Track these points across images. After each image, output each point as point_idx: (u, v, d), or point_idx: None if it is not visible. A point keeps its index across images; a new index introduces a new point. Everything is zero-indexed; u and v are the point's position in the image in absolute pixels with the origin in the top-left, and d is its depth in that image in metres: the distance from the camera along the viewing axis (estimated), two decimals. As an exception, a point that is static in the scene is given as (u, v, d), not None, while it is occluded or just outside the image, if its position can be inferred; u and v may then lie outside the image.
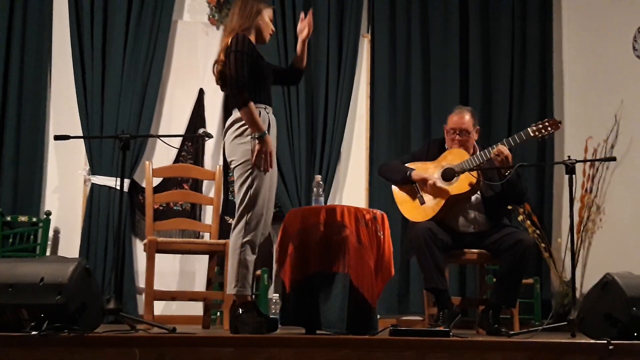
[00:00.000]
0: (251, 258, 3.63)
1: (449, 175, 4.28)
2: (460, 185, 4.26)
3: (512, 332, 4.06)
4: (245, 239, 3.60)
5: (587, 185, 5.78)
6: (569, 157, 4.19)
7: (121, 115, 5.71)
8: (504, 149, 4.18)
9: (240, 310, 3.65)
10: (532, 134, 4.22)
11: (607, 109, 5.74)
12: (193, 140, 5.84)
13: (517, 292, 4.22)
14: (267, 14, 3.78)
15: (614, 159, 4.44)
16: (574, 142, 5.97)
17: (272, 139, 3.64)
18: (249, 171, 3.58)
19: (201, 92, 6.00)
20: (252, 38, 3.71)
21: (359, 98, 6.20)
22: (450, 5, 6.26)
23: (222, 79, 3.67)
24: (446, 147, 4.45)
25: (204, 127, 5.79)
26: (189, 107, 5.96)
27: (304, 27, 3.84)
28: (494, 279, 4.84)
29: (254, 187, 3.59)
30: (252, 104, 3.54)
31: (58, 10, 5.81)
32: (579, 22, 6.26)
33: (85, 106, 5.70)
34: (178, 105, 5.95)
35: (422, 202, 4.32)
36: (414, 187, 4.35)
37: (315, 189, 4.24)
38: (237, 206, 3.66)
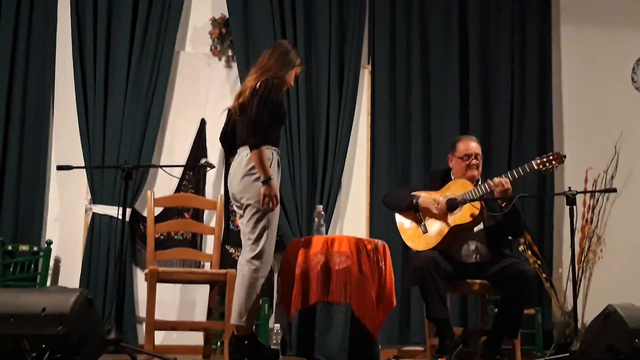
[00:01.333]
0: (260, 290, 3.79)
1: (452, 205, 4.29)
2: (462, 215, 4.27)
3: (514, 363, 4.04)
4: (260, 273, 3.76)
5: (587, 216, 5.79)
6: (569, 188, 4.21)
7: (123, 145, 5.73)
8: (505, 180, 4.19)
9: (246, 341, 3.75)
10: (535, 167, 4.23)
11: (606, 140, 5.76)
12: (194, 170, 5.86)
13: (519, 323, 4.21)
14: (297, 70, 3.99)
15: (614, 190, 4.46)
16: (574, 172, 5.99)
17: (276, 178, 3.80)
18: (264, 209, 3.75)
19: (203, 122, 6.02)
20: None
21: (360, 128, 6.23)
22: (450, 37, 6.33)
23: (242, 110, 3.83)
24: (452, 176, 4.46)
25: (206, 156, 5.81)
26: (191, 137, 5.98)
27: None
28: (496, 310, 4.82)
29: (268, 224, 3.78)
30: (263, 148, 3.72)
31: (61, 40, 5.86)
32: (578, 53, 6.31)
33: (88, 135, 5.72)
34: (180, 135, 5.98)
35: (425, 231, 4.32)
36: (417, 216, 4.36)
37: (316, 219, 4.25)
38: (249, 240, 3.81)
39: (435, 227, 4.30)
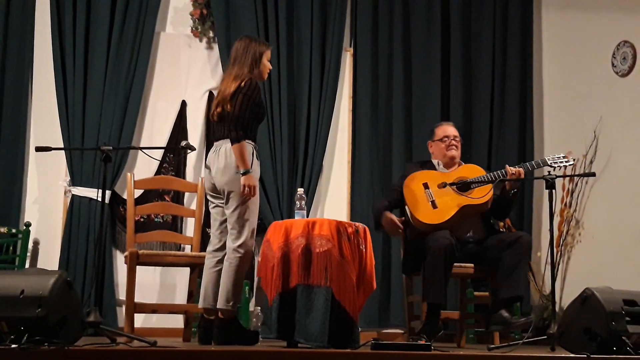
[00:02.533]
0: (244, 276, 4.06)
1: (464, 186, 4.38)
2: (474, 196, 4.37)
3: (492, 345, 4.08)
4: (245, 260, 3.98)
5: (566, 200, 5.84)
6: (549, 172, 4.25)
7: (103, 127, 5.68)
8: (521, 171, 4.34)
9: (229, 324, 3.97)
10: (551, 163, 4.40)
11: (586, 124, 5.80)
12: (175, 152, 5.83)
13: (527, 284, 4.38)
14: (267, 56, 4.16)
15: (593, 174, 4.50)
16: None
17: (256, 170, 4.05)
18: (246, 199, 3.98)
19: (183, 104, 5.99)
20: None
21: (341, 111, 6.22)
22: (432, 21, 6.32)
23: (221, 120, 4.06)
24: (434, 161, 4.60)
25: (186, 139, 5.79)
26: (171, 119, 5.95)
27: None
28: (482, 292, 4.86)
29: (250, 214, 4.01)
30: (244, 142, 3.96)
31: (40, 20, 5.78)
32: (560, 38, 6.34)
33: (67, 117, 5.67)
34: (160, 117, 5.94)
35: (435, 207, 4.36)
36: (425, 192, 4.40)
37: (297, 202, 4.25)
38: (234, 229, 4.02)
39: (445, 203, 4.36)
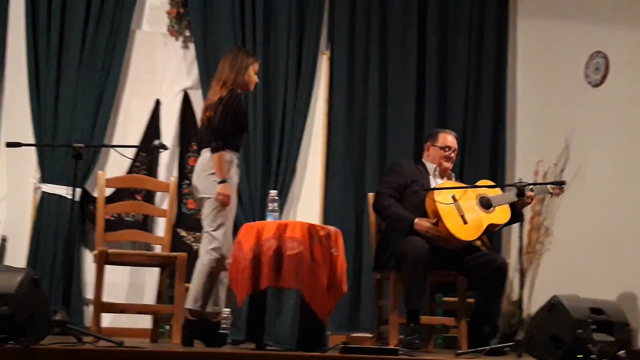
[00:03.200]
0: (216, 279, 4.15)
1: (486, 204, 4.43)
2: (497, 216, 4.44)
3: (460, 351, 4.11)
4: (217, 263, 4.11)
5: (536, 208, 5.89)
6: (520, 179, 4.30)
7: (75, 123, 5.62)
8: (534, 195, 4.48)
9: (197, 325, 4.05)
10: (550, 191, 4.54)
11: (558, 133, 5.86)
12: (147, 151, 5.79)
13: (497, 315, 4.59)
14: (254, 68, 4.34)
15: (563, 182, 4.55)
16: (524, 164, 6.09)
17: (235, 179, 4.23)
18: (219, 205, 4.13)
19: (157, 103, 5.95)
20: (239, 89, 4.30)
21: (317, 114, 6.23)
22: (409, 26, 6.35)
23: (209, 121, 4.22)
24: (429, 164, 4.63)
25: (159, 138, 5.75)
26: (145, 117, 5.90)
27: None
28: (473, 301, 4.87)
29: (225, 219, 4.15)
30: (223, 152, 4.13)
31: (13, 14, 5.71)
32: (534, 47, 6.40)
33: (39, 112, 5.60)
34: (133, 116, 5.89)
35: (465, 222, 4.38)
36: (454, 204, 4.39)
37: (270, 204, 4.25)
38: (207, 233, 4.17)
39: (474, 220, 4.39)
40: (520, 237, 4.05)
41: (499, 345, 3.91)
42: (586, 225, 5.66)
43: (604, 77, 5.68)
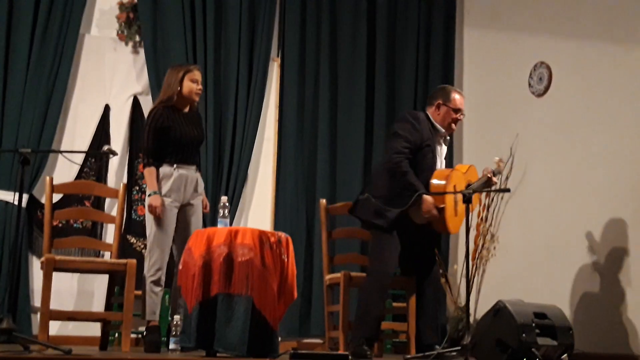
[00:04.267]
0: (157, 289, 4.40)
1: (469, 198, 4.11)
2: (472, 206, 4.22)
3: (409, 356, 4.17)
4: (149, 273, 4.36)
5: (482, 215, 6.00)
6: (467, 186, 4.37)
7: (22, 128, 5.52)
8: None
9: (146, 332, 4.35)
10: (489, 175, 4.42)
11: (503, 141, 5.99)
12: (96, 156, 5.73)
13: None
14: (190, 77, 4.46)
15: (508, 190, 4.65)
16: (471, 172, 6.20)
17: (175, 190, 4.40)
18: (152, 222, 4.40)
19: (107, 108, 5.89)
20: (180, 103, 4.48)
21: (268, 120, 6.25)
22: (358, 33, 6.44)
23: None
24: (436, 125, 4.38)
25: (109, 143, 5.69)
26: (94, 122, 5.84)
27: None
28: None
29: (156, 231, 4.37)
30: (151, 168, 4.38)
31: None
32: (480, 56, 6.54)
33: (-16, 117, 5.50)
34: (82, 121, 5.83)
35: (456, 214, 4.30)
36: (454, 196, 4.26)
37: (220, 210, 4.25)
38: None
39: (460, 213, 4.29)
40: (467, 243, 4.13)
41: (446, 350, 3.98)
42: (530, 231, 5.79)
43: (547, 87, 5.84)
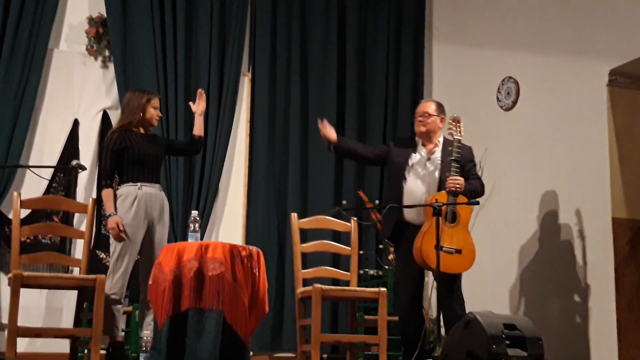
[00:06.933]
0: (118, 307, 4.42)
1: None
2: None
3: (380, 368, 4.17)
4: (111, 292, 4.35)
5: (453, 227, 6.03)
6: (436, 199, 4.41)
7: (-11, 143, 5.47)
8: (451, 179, 4.50)
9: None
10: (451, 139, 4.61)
11: (472, 155, 6.04)
12: (65, 171, 5.68)
13: None
14: (152, 104, 4.58)
15: (477, 202, 4.70)
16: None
17: (138, 209, 4.42)
18: (115, 242, 4.45)
19: (76, 123, 5.85)
20: (141, 128, 4.56)
21: (239, 135, 6.25)
22: (328, 48, 6.49)
23: None
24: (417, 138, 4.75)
25: (78, 158, 5.65)
26: (63, 137, 5.80)
27: (198, 104, 4.78)
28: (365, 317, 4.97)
29: (119, 251, 4.41)
30: (107, 190, 4.44)
31: None
32: (449, 72, 6.61)
33: (-50, 132, 5.43)
34: (51, 135, 5.78)
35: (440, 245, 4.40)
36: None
37: (191, 225, 4.23)
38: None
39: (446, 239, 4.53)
40: (437, 256, 4.16)
41: (417, 362, 4.00)
42: (498, 244, 5.84)
43: (515, 102, 5.92)
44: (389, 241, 4.94)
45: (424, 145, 4.70)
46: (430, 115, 4.69)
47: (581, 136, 5.34)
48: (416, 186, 4.60)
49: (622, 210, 5.08)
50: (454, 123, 4.68)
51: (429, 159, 4.65)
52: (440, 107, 4.76)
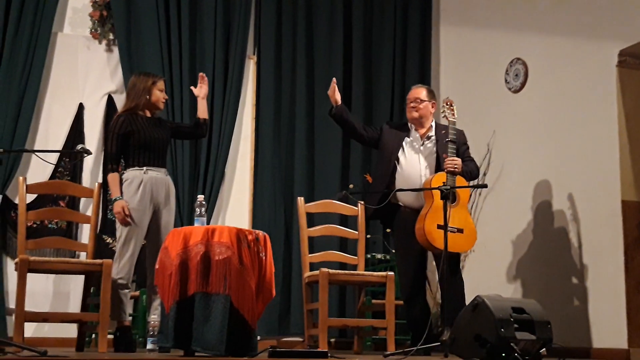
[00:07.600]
0: (125, 291, 4.39)
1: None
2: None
3: (388, 352, 4.16)
4: (118, 277, 4.33)
5: (461, 210, 6.01)
6: (444, 183, 4.38)
7: (-6, 128, 5.46)
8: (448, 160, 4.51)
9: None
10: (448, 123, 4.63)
11: (480, 138, 6.01)
12: (71, 156, 5.67)
13: None
14: (157, 87, 4.53)
15: (485, 186, 4.67)
16: (449, 168, 6.21)
17: (144, 193, 4.38)
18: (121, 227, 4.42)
19: (81, 107, 5.84)
20: (147, 111, 4.51)
21: (244, 119, 6.22)
22: (334, 30, 6.44)
23: None
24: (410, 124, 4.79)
25: (83, 143, 5.65)
26: (68, 122, 5.78)
27: (200, 87, 4.73)
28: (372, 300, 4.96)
29: (124, 235, 4.38)
30: (113, 174, 4.41)
31: None
32: (456, 55, 6.56)
33: (-45, 117, 5.42)
34: (56, 120, 5.76)
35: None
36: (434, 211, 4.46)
37: (197, 209, 4.21)
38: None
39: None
40: (445, 239, 4.14)
41: (425, 346, 3.98)
42: (507, 227, 5.82)
43: (523, 84, 5.87)
44: (382, 225, 4.99)
45: (416, 130, 4.74)
46: (422, 100, 4.74)
47: (590, 118, 5.29)
48: (412, 168, 4.62)
49: (631, 193, 5.04)
50: (447, 105, 4.69)
51: (423, 143, 4.67)
52: (431, 93, 4.81)
